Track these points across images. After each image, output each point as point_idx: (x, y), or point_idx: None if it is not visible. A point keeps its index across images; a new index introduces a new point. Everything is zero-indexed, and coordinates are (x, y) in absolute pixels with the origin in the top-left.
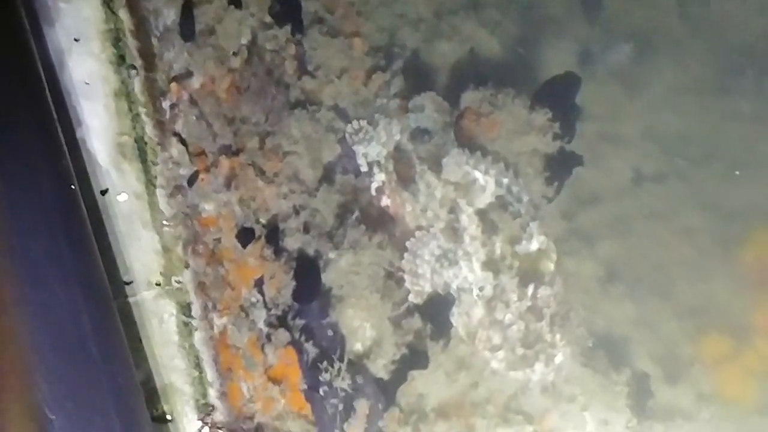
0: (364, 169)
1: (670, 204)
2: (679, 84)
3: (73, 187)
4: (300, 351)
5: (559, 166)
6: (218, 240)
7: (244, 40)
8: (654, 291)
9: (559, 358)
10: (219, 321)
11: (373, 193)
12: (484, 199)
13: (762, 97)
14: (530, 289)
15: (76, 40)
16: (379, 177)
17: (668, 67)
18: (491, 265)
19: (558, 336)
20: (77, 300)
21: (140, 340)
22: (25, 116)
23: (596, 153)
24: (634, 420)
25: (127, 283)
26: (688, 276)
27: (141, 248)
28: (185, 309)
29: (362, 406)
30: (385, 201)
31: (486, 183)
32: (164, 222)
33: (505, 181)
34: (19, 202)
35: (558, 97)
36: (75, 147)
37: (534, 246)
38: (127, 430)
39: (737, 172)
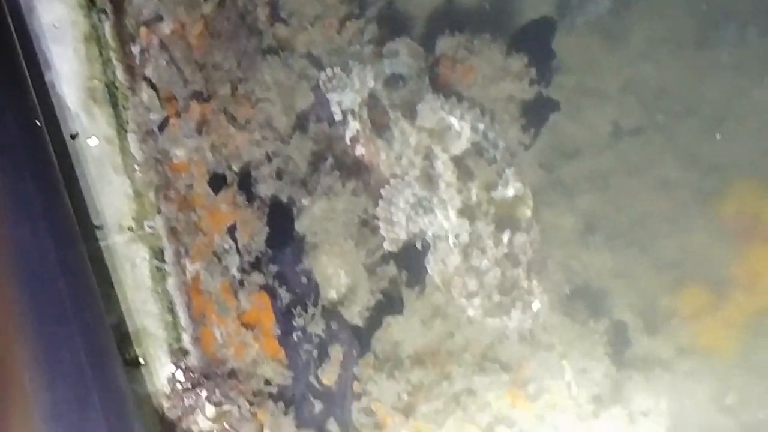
0: (338, 117)
1: (649, 157)
2: (658, 36)
3: (38, 123)
4: (273, 296)
5: (536, 113)
6: (190, 186)
7: None
8: (633, 243)
9: (536, 305)
10: (191, 267)
11: (348, 142)
12: (460, 146)
13: (743, 49)
14: (506, 236)
15: None
16: (353, 125)
17: (647, 19)
18: (467, 212)
19: (535, 283)
20: (43, 235)
21: (112, 285)
22: None
23: (575, 106)
24: (613, 369)
25: (99, 228)
26: (667, 229)
27: (112, 193)
28: (158, 254)
29: (336, 352)
30: (360, 150)
31: (461, 129)
32: (136, 167)
33: (481, 127)
34: None
35: (534, 42)
36: (44, 91)
37: (510, 192)
38: (96, 366)
39: (718, 136)
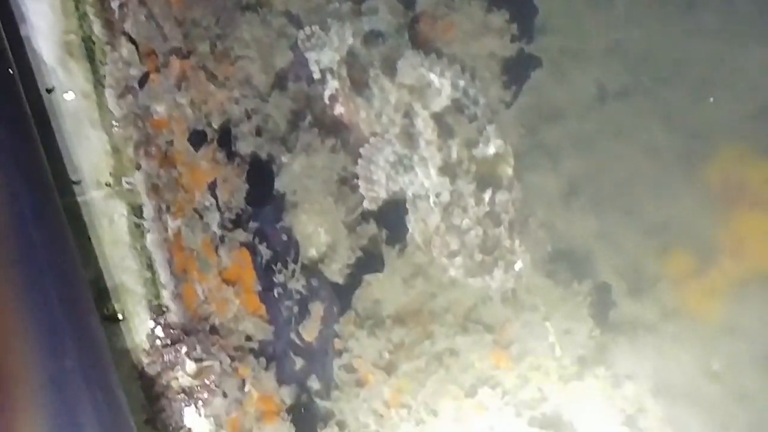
0: (316, 76)
1: (634, 121)
2: None
3: (10, 71)
4: (254, 253)
5: (517, 70)
6: (170, 142)
7: None
8: (617, 207)
9: (518, 265)
10: (173, 223)
11: (327, 101)
12: (440, 103)
13: (728, 12)
14: (488, 194)
15: None
16: (332, 84)
17: None
18: (448, 170)
19: (517, 242)
20: (15, 181)
21: (90, 240)
22: None
23: (559, 68)
24: (597, 330)
25: (76, 183)
26: (653, 193)
27: (89, 148)
28: (137, 210)
29: (317, 308)
30: (339, 109)
31: (441, 86)
32: (114, 122)
33: (462, 83)
34: None
35: None
36: (19, 45)
37: (491, 150)
38: (72, 317)
39: (711, 99)
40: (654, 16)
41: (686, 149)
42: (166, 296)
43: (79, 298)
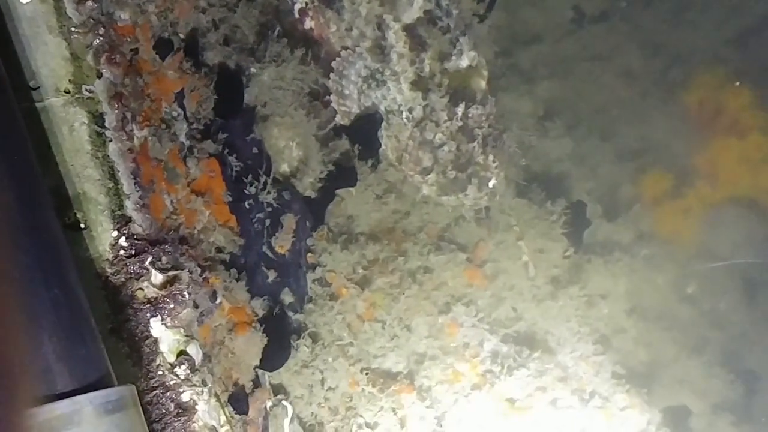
0: None
1: (612, 45)
2: None
3: None
4: (224, 164)
5: None
6: (135, 51)
7: None
8: (594, 131)
9: (492, 182)
10: (139, 133)
11: (296, 15)
12: (412, 14)
13: None
14: (461, 109)
15: None
16: None
17: None
18: (420, 84)
19: (491, 158)
20: None
21: (49, 147)
22: None
23: None
24: (571, 249)
25: (34, 89)
26: (630, 118)
27: (48, 54)
28: (98, 119)
29: (289, 221)
30: (309, 23)
31: None
32: (72, 29)
33: None
34: None
35: None
36: None
37: (464, 62)
38: (28, 216)
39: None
40: None
41: (663, 74)
42: (129, 206)
43: (36, 199)
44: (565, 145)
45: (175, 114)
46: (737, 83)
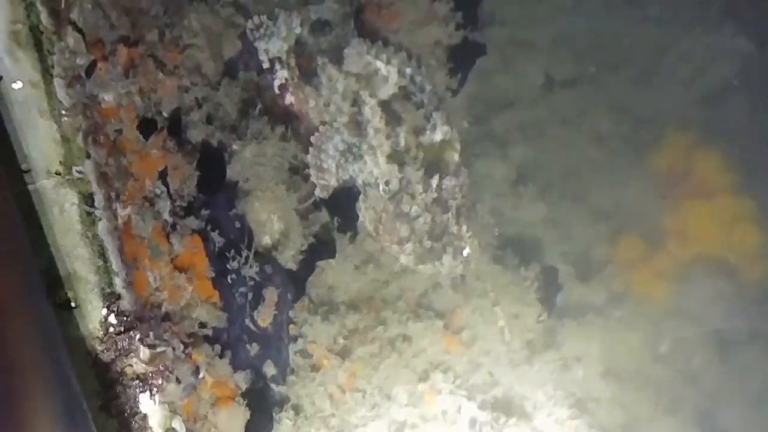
0: (266, 65)
1: (582, 109)
2: None
3: None
4: (206, 239)
5: (463, 57)
6: (119, 131)
7: None
8: (566, 194)
9: (467, 251)
10: (123, 211)
11: (276, 90)
12: (387, 90)
13: (671, 3)
14: (435, 181)
15: None
16: (282, 74)
17: None
18: (396, 157)
19: (464, 227)
20: None
21: (41, 228)
22: None
23: (506, 58)
24: (545, 314)
25: (26, 171)
26: (601, 180)
27: (39, 137)
28: (87, 199)
29: (271, 294)
30: (289, 98)
31: (388, 73)
32: (63, 112)
33: (408, 71)
34: None
35: None
36: None
37: (438, 136)
38: (23, 303)
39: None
40: (600, 5)
41: (632, 137)
42: (118, 284)
43: (30, 285)
44: (537, 209)
45: (158, 192)
46: (704, 145)
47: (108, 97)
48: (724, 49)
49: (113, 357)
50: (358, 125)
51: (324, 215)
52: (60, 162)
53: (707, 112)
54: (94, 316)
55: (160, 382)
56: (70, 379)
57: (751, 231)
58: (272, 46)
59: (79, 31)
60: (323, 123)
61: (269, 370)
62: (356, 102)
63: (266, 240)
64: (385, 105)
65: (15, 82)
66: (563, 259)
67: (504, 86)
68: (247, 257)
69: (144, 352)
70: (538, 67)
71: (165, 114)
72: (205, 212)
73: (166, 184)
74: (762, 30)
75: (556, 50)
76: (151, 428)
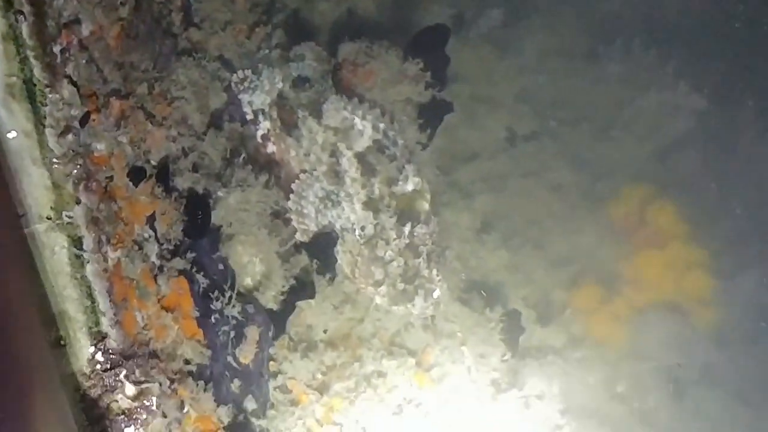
0: (249, 117)
1: (542, 161)
2: (550, 48)
3: None
4: (191, 281)
5: (432, 114)
6: (110, 178)
7: None
8: (527, 241)
9: (437, 293)
10: (113, 254)
11: (259, 140)
12: (363, 143)
13: (628, 62)
14: (407, 228)
15: None
16: (264, 124)
17: (539, 32)
18: (371, 204)
19: (435, 271)
20: None
21: (36, 269)
22: None
23: (471, 113)
24: (509, 354)
25: (21, 216)
26: (561, 229)
27: (32, 184)
28: (76, 242)
29: (253, 332)
30: (271, 147)
31: (364, 128)
32: (54, 160)
33: (382, 126)
34: None
35: (429, 48)
36: None
37: (410, 187)
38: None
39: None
40: (560, 64)
41: (591, 188)
42: (105, 323)
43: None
44: (501, 255)
45: (146, 236)
46: (659, 197)
47: (100, 146)
48: (679, 105)
49: (100, 393)
50: (336, 174)
51: (304, 257)
52: (51, 207)
53: (662, 166)
54: (82, 354)
55: (144, 416)
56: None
57: (703, 277)
58: (256, 99)
59: (74, 84)
60: (303, 171)
61: (250, 404)
62: (334, 153)
63: (248, 281)
64: (360, 156)
65: (9, 132)
66: (525, 303)
67: (468, 140)
68: (230, 297)
69: (129, 388)
70: (500, 121)
71: (153, 162)
72: (190, 255)
73: (154, 229)
74: (714, 88)
75: (519, 106)
76: None
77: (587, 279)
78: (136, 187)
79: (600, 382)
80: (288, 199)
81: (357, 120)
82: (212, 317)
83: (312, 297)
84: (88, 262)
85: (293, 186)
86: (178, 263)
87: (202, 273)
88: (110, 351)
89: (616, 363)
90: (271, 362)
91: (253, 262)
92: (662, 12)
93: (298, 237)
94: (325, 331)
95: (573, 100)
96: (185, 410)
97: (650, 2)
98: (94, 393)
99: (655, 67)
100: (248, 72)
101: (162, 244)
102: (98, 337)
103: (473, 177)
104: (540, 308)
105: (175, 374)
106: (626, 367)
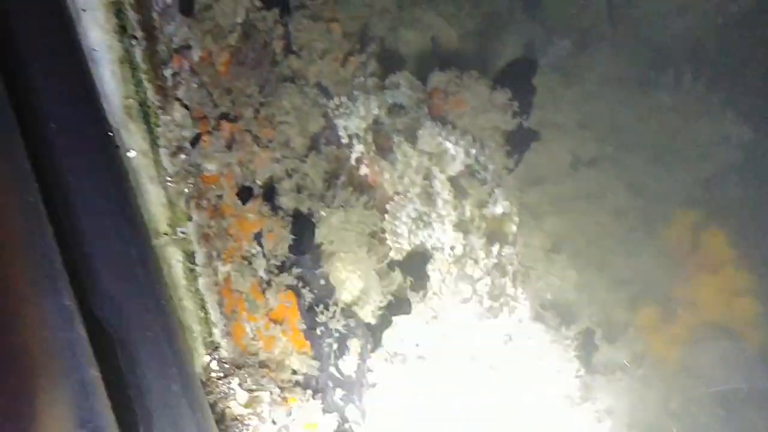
0: (344, 140)
1: (603, 186)
2: (611, 76)
3: (110, 133)
4: (298, 295)
5: (518, 141)
6: (220, 196)
7: (238, 19)
8: (591, 262)
9: (520, 311)
10: (223, 268)
11: (353, 162)
12: (455, 167)
13: (680, 92)
14: (495, 248)
15: (83, 10)
16: (358, 148)
17: (601, 61)
18: (461, 226)
19: (519, 290)
20: (124, 232)
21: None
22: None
23: (540, 139)
24: (583, 370)
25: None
26: (621, 250)
27: (149, 201)
28: (190, 257)
29: (355, 345)
30: (364, 170)
31: (456, 153)
32: (168, 178)
33: (473, 151)
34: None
35: (516, 79)
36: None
37: (499, 210)
38: (173, 349)
39: None
40: (618, 91)
41: (647, 212)
42: (217, 334)
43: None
44: (570, 276)
45: (254, 251)
46: (710, 222)
47: (210, 167)
48: (726, 135)
49: (216, 399)
50: (429, 196)
51: (398, 275)
52: (167, 224)
53: (711, 192)
54: (198, 363)
55: (256, 423)
56: (208, 412)
57: (751, 302)
58: (351, 124)
59: (185, 107)
60: (397, 193)
61: (351, 414)
62: (428, 176)
63: (346, 296)
64: (453, 180)
65: (129, 151)
66: (591, 321)
67: (538, 164)
68: (335, 312)
69: (242, 396)
70: (566, 147)
71: (260, 182)
72: (296, 270)
73: (261, 245)
74: (760, 119)
75: (581, 132)
76: None
77: (647, 299)
78: (244, 205)
79: (656, 399)
80: (383, 219)
81: (450, 145)
82: (317, 329)
83: (408, 313)
84: (200, 275)
85: (387, 207)
86: (286, 279)
87: (307, 288)
88: (223, 360)
89: (671, 380)
90: (369, 373)
91: (351, 278)
92: (709, 45)
93: (393, 255)
94: (417, 345)
95: (630, 127)
96: (293, 418)
97: (699, 33)
98: (210, 399)
99: (703, 98)
100: (344, 98)
101: (269, 260)
102: (212, 347)
103: (542, 199)
104: (604, 327)
105: (284, 383)
106: (679, 384)
